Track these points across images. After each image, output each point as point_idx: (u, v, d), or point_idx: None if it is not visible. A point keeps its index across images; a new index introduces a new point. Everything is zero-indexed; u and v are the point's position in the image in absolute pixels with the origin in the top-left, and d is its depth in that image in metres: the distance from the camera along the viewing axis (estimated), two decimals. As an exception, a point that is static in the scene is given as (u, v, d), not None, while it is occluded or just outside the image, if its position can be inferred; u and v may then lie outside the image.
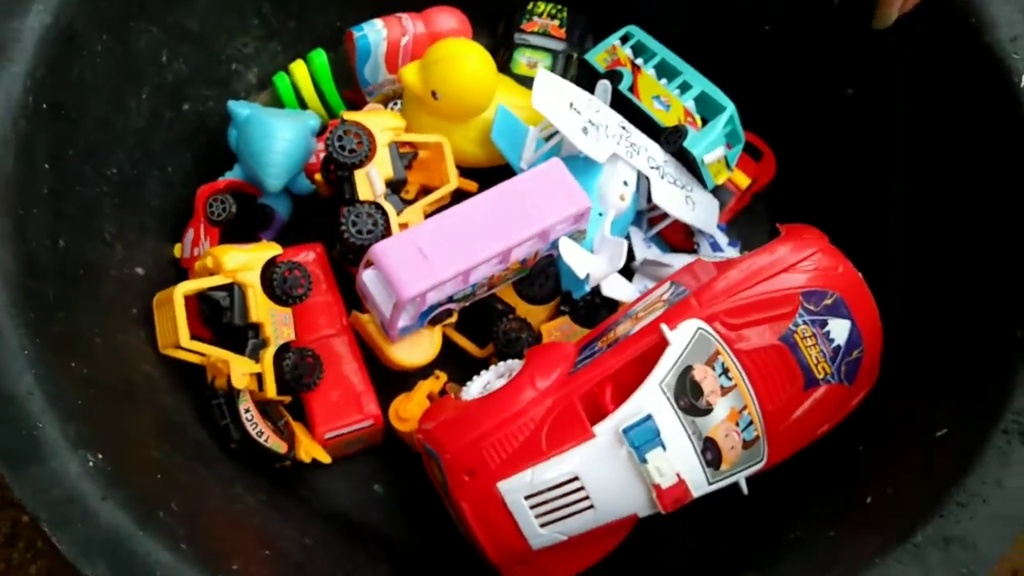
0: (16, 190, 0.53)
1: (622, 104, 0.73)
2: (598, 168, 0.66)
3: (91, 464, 0.46)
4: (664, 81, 0.73)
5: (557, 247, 0.63)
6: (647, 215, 0.73)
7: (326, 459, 0.64)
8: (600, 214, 0.66)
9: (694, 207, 0.71)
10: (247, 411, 0.61)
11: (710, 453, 0.53)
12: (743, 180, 0.75)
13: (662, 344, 0.54)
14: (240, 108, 0.70)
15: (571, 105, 0.65)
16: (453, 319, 0.67)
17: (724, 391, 0.53)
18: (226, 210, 0.67)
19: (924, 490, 0.50)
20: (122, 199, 0.64)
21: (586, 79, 0.74)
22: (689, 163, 0.71)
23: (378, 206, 0.65)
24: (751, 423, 0.54)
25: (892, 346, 0.58)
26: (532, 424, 0.54)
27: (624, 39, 0.76)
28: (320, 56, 0.74)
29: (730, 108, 0.71)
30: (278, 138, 0.68)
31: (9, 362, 0.47)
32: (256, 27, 0.74)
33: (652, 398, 0.52)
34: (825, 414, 0.57)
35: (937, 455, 0.52)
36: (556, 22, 0.78)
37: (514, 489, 0.52)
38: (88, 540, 0.44)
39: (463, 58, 0.66)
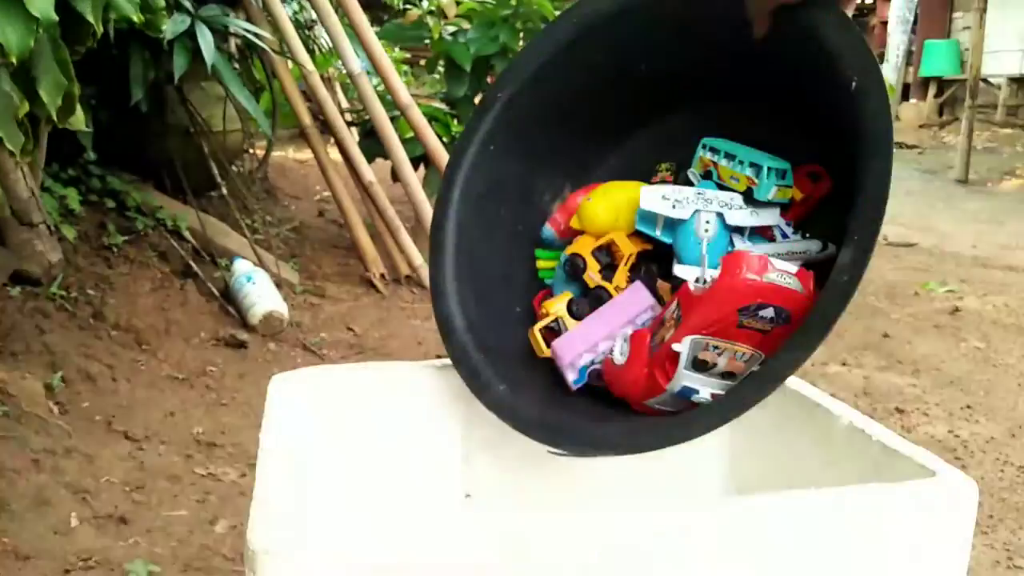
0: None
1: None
2: (690, 221, 1.29)
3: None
4: (733, 164, 1.32)
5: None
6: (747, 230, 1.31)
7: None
8: (698, 242, 1.28)
9: (759, 216, 1.28)
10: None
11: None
12: (797, 194, 1.29)
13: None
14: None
15: (662, 196, 1.29)
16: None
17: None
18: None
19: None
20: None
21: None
22: (756, 203, 1.29)
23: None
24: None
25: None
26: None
27: (704, 147, 1.37)
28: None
29: (764, 165, 1.27)
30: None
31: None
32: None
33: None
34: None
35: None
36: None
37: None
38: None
39: (588, 206, 1.37)
